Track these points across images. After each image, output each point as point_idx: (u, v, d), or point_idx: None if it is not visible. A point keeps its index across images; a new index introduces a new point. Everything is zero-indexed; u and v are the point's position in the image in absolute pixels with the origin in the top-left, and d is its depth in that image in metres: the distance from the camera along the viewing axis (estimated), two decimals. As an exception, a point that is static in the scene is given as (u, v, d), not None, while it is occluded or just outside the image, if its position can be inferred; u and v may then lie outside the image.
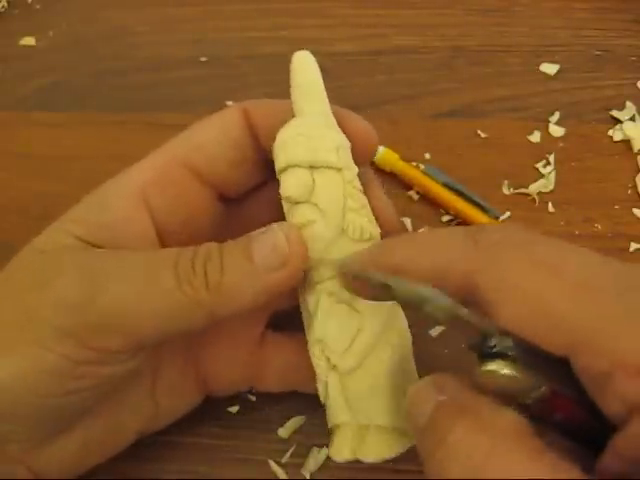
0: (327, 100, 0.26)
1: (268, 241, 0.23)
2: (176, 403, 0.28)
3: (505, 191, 0.37)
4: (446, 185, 0.37)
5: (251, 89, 0.43)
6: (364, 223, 0.24)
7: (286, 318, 0.28)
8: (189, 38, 0.47)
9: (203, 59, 0.45)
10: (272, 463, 0.29)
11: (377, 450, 0.24)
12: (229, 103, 0.42)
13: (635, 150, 0.38)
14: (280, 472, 0.29)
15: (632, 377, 0.17)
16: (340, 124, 0.26)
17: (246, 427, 0.30)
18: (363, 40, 0.45)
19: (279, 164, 0.24)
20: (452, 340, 0.32)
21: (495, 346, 0.19)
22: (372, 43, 0.45)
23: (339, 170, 0.24)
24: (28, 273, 0.23)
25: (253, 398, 0.31)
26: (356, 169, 0.25)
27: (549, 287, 0.19)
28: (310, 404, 0.31)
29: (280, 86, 0.43)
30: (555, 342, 0.18)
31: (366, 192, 0.25)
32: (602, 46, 0.44)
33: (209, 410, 0.31)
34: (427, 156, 0.39)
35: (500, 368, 0.19)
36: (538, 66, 0.43)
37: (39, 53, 0.47)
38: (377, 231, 0.25)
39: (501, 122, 0.40)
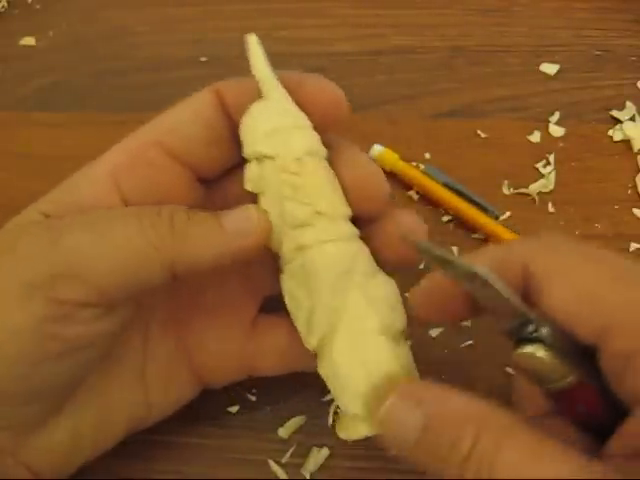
0: (276, 78, 0.26)
1: (239, 211, 0.24)
2: (168, 394, 0.28)
3: (505, 191, 0.37)
4: (446, 185, 0.37)
5: (251, 89, 0.43)
6: (297, 209, 0.24)
7: (278, 300, 0.27)
8: (189, 38, 0.47)
9: (203, 59, 0.45)
10: (272, 463, 0.29)
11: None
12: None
13: (635, 150, 0.38)
14: (280, 472, 0.29)
15: None
16: (297, 92, 0.25)
17: (246, 427, 0.30)
18: (363, 40, 0.45)
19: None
20: (452, 340, 0.32)
21: (534, 332, 0.21)
22: (372, 43, 0.45)
23: (273, 159, 0.24)
24: (1, 241, 0.24)
25: (253, 398, 0.31)
26: (298, 150, 0.24)
27: (594, 276, 0.21)
28: (310, 404, 0.31)
29: (280, 86, 0.43)
30: (592, 324, 0.21)
31: (334, 163, 0.25)
32: (602, 46, 0.44)
33: (209, 410, 0.31)
34: (427, 156, 0.39)
35: (537, 351, 0.21)
36: (538, 66, 0.43)
37: (39, 53, 0.47)
38: (333, 206, 0.24)
39: (501, 122, 0.40)
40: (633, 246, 0.35)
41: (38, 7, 0.50)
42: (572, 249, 0.22)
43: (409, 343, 0.25)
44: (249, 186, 0.25)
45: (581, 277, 0.21)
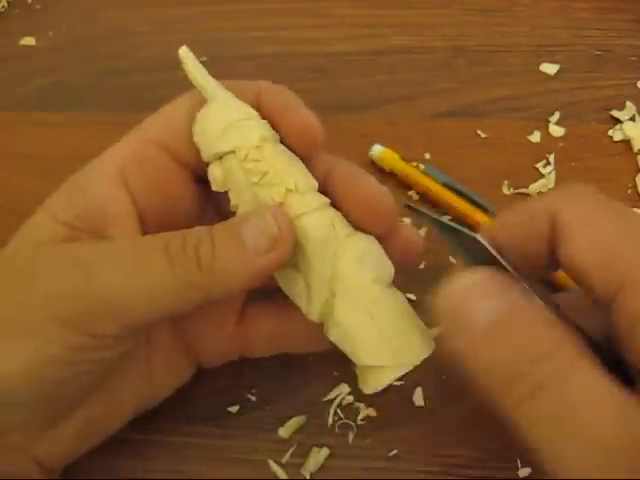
0: (213, 81, 0.27)
1: (258, 225, 0.23)
2: (171, 377, 0.29)
3: (505, 191, 0.37)
4: (446, 185, 0.37)
5: (251, 89, 0.43)
6: (268, 192, 0.24)
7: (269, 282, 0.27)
8: (189, 38, 0.46)
9: (203, 59, 0.45)
10: (272, 463, 0.29)
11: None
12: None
13: (635, 150, 0.38)
14: (280, 472, 0.29)
15: None
16: (277, 118, 0.26)
17: (246, 427, 0.30)
18: (362, 40, 0.45)
19: None
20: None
21: None
22: (371, 43, 0.45)
23: (233, 152, 0.25)
24: (19, 267, 0.24)
25: (253, 398, 0.31)
26: (254, 139, 0.25)
27: (615, 231, 0.21)
28: (310, 404, 0.31)
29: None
30: (607, 280, 0.20)
31: (342, 185, 0.26)
32: (602, 46, 0.44)
33: (209, 410, 0.31)
34: (427, 156, 0.39)
35: None
36: (538, 66, 0.43)
37: (39, 53, 0.47)
38: (301, 181, 0.25)
39: (501, 122, 0.40)
40: (633, 246, 0.35)
41: (38, 7, 0.50)
42: (599, 202, 0.22)
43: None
44: (215, 187, 0.26)
45: (602, 231, 0.21)
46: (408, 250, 0.27)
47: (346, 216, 0.25)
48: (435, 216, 0.23)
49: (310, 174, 0.26)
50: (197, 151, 0.26)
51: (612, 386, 0.18)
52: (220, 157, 0.25)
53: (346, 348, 0.25)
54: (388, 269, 0.25)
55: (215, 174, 0.25)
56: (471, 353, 0.20)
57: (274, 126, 0.26)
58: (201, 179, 0.28)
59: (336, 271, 0.24)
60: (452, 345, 0.20)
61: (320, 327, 0.25)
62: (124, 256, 0.23)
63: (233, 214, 0.26)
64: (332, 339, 0.25)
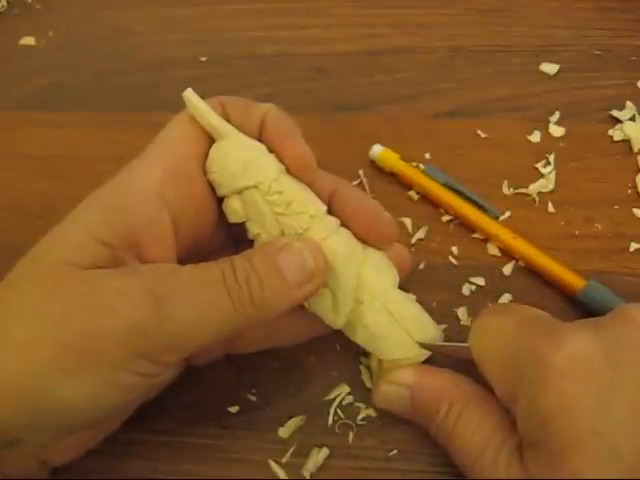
0: (221, 119, 0.28)
1: (297, 259, 0.26)
2: (165, 376, 0.29)
3: (505, 191, 0.37)
4: (446, 185, 0.37)
5: (251, 89, 0.43)
6: (294, 220, 0.27)
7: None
8: (189, 38, 0.47)
9: (203, 59, 0.45)
10: (272, 463, 0.29)
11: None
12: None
13: (635, 150, 0.38)
14: (280, 472, 0.29)
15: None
16: (275, 147, 0.28)
17: (246, 427, 0.30)
18: (362, 40, 0.45)
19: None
20: (452, 340, 0.32)
21: None
22: (371, 43, 0.45)
23: (255, 187, 0.27)
24: (79, 295, 0.24)
25: (253, 398, 0.31)
26: (272, 173, 0.27)
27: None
28: (310, 404, 0.31)
29: (280, 86, 0.44)
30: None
31: (344, 205, 0.29)
32: (602, 46, 0.44)
33: (209, 410, 0.31)
34: (427, 156, 0.39)
35: None
36: (538, 66, 0.43)
37: (39, 53, 0.47)
38: (317, 206, 0.28)
39: (501, 122, 0.40)
40: (633, 246, 0.35)
41: (38, 7, 0.50)
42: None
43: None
44: (234, 218, 0.28)
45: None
46: (400, 263, 0.30)
47: (354, 232, 0.29)
48: None
49: (317, 198, 0.28)
50: None
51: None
52: (239, 191, 0.27)
53: (373, 346, 0.29)
54: (397, 274, 0.30)
55: (234, 207, 0.28)
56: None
57: (276, 153, 0.28)
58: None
59: (360, 281, 0.28)
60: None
61: (302, 320, 0.29)
62: (190, 290, 0.24)
63: (250, 242, 0.28)
64: (359, 341, 0.29)
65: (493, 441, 0.26)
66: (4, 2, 0.50)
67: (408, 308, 0.29)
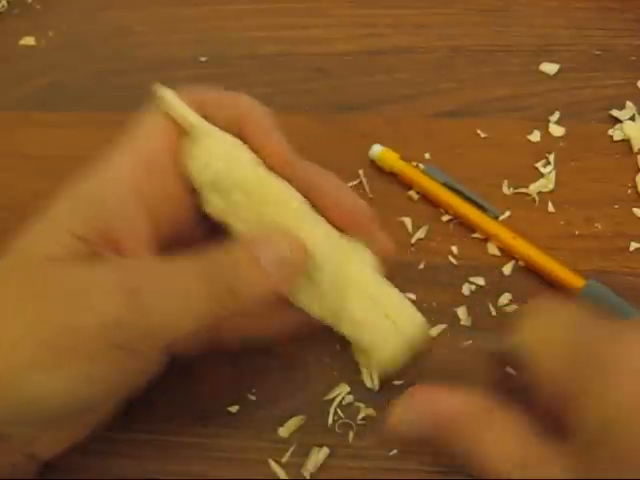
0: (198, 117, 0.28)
1: (275, 252, 0.26)
2: (148, 369, 0.28)
3: (505, 191, 0.37)
4: (446, 185, 0.37)
5: (251, 89, 0.43)
6: (274, 214, 0.27)
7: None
8: (189, 38, 0.47)
9: (203, 59, 0.45)
10: (272, 463, 0.29)
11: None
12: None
13: (635, 150, 0.38)
14: (280, 472, 0.29)
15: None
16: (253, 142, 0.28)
17: (246, 427, 0.30)
18: (362, 40, 0.45)
19: None
20: (452, 340, 0.32)
21: None
22: (371, 43, 0.45)
23: (234, 183, 0.27)
24: (56, 291, 0.24)
25: (253, 398, 0.31)
26: (251, 170, 0.28)
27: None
28: (310, 404, 0.31)
29: (281, 86, 0.44)
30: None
31: (320, 191, 0.29)
32: (602, 46, 0.44)
33: (209, 410, 0.31)
34: (427, 156, 0.39)
35: None
36: (538, 66, 0.43)
37: (39, 53, 0.47)
38: (296, 200, 0.28)
39: (501, 122, 0.40)
40: (633, 246, 0.35)
41: (38, 7, 0.50)
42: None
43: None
44: (213, 212, 0.28)
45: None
46: (383, 251, 0.29)
47: (332, 222, 0.29)
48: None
49: (296, 191, 0.28)
50: None
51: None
52: (219, 188, 0.27)
53: (359, 338, 0.28)
54: (378, 264, 0.29)
55: (214, 202, 0.28)
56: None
57: (253, 146, 0.28)
58: None
59: (342, 272, 0.28)
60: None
61: (286, 313, 0.29)
62: (166, 281, 0.25)
63: (230, 234, 0.28)
64: (344, 332, 0.28)
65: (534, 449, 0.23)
66: (4, 2, 0.50)
67: (392, 298, 0.29)
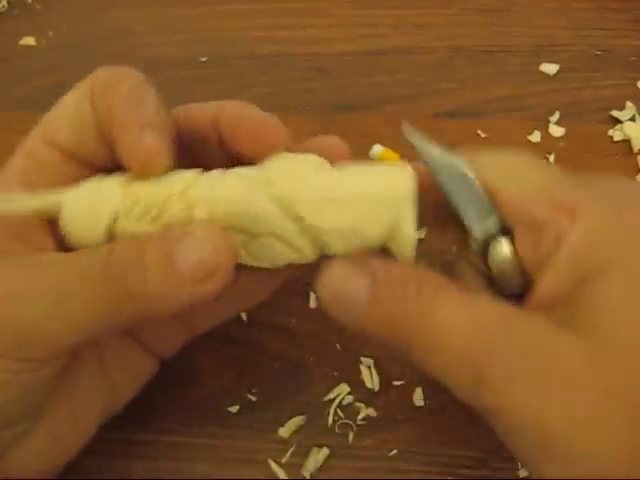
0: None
1: (195, 251, 0.22)
2: (129, 374, 0.28)
3: (505, 191, 0.37)
4: (446, 185, 0.37)
5: (251, 89, 0.43)
6: (171, 210, 0.24)
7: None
8: (189, 38, 0.47)
9: (203, 59, 0.45)
10: (272, 463, 0.29)
11: None
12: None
13: (635, 150, 0.38)
14: (280, 472, 0.29)
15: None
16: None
17: (246, 427, 0.30)
18: (362, 40, 0.45)
19: None
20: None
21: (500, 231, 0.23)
22: (371, 43, 0.45)
23: (114, 221, 0.24)
24: None
25: (253, 398, 0.31)
26: (118, 202, 0.24)
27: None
28: (310, 404, 0.31)
29: (280, 86, 0.44)
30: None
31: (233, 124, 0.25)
32: (602, 46, 0.44)
33: (209, 410, 0.31)
34: (427, 156, 0.39)
35: (506, 247, 0.23)
36: (538, 66, 0.43)
37: (39, 53, 0.47)
38: (185, 178, 0.24)
39: (501, 122, 0.40)
40: (633, 246, 0.35)
41: (38, 7, 0.50)
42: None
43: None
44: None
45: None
46: (338, 156, 0.25)
47: (243, 153, 0.25)
48: (419, 141, 0.26)
49: (185, 171, 0.24)
50: (91, 146, 0.26)
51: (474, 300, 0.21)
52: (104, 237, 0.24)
53: (352, 240, 0.24)
54: (325, 162, 0.25)
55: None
56: (365, 332, 0.22)
57: (233, 142, 0.25)
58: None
59: (284, 201, 0.23)
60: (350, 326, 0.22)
61: (256, 276, 0.26)
62: (47, 288, 0.22)
63: None
64: (336, 250, 0.24)
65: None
66: (4, 2, 0.50)
67: (362, 179, 0.24)
